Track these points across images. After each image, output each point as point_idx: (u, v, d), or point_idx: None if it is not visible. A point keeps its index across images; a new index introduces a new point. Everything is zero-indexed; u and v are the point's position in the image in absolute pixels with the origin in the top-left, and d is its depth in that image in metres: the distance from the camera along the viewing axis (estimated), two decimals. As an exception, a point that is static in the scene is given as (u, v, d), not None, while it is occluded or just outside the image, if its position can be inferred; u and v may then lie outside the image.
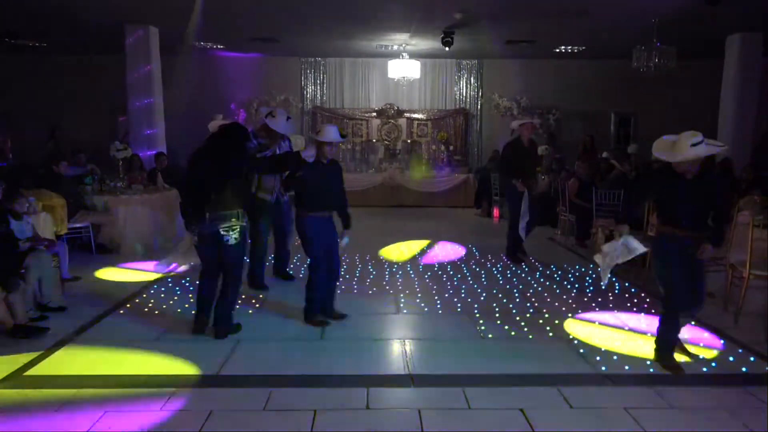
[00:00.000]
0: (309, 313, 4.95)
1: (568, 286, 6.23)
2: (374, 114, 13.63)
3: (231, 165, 4.46)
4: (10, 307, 4.56)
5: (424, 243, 8.45)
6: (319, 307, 4.97)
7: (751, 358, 4.26)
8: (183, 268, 5.87)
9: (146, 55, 9.99)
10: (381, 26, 9.93)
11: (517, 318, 5.15)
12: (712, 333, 4.81)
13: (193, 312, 4.84)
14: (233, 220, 4.48)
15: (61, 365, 4.11)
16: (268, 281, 6.09)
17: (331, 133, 4.75)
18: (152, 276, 6.32)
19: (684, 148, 3.80)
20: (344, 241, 4.97)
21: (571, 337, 4.70)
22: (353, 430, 3.23)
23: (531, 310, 5.39)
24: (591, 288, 6.17)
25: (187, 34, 9.69)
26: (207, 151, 4.53)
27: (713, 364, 4.14)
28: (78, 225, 7.43)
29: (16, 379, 3.87)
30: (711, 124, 10.77)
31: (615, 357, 4.24)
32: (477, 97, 13.90)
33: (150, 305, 5.45)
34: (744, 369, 4.08)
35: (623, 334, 4.78)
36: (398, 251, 7.92)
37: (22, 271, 4.79)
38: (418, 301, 5.66)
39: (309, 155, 4.73)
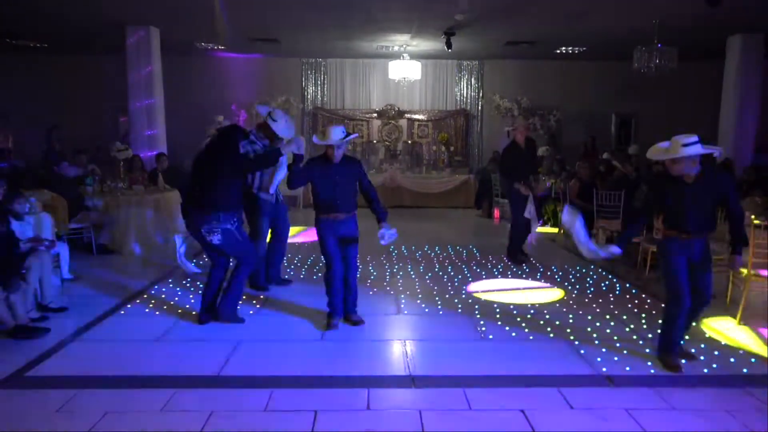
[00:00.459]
0: (328, 316, 4.91)
1: (569, 287, 6.23)
2: (375, 115, 13.64)
3: (220, 166, 4.64)
4: (11, 308, 4.56)
5: (424, 244, 8.45)
6: (341, 311, 4.91)
7: (752, 359, 4.26)
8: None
9: (147, 56, 10.01)
10: (382, 27, 9.94)
11: (518, 319, 5.15)
12: (713, 334, 4.80)
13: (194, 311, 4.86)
14: (213, 222, 4.62)
15: (61, 366, 4.11)
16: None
17: (331, 135, 4.57)
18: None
19: (676, 148, 3.83)
20: (386, 238, 4.86)
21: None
22: (354, 430, 3.22)
23: (532, 311, 5.39)
24: (591, 289, 6.17)
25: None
26: (203, 154, 4.79)
27: (714, 365, 4.14)
28: (79, 225, 7.44)
29: (16, 379, 3.87)
30: (712, 125, 10.78)
31: (616, 358, 4.24)
32: (478, 98, 13.90)
33: (151, 306, 5.45)
34: (745, 370, 4.08)
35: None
36: (399, 251, 7.91)
37: (23, 271, 4.79)
38: (418, 301, 5.66)
39: (294, 149, 4.81)
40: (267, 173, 5.65)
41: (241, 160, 4.87)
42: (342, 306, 4.93)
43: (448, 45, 10.10)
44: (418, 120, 13.70)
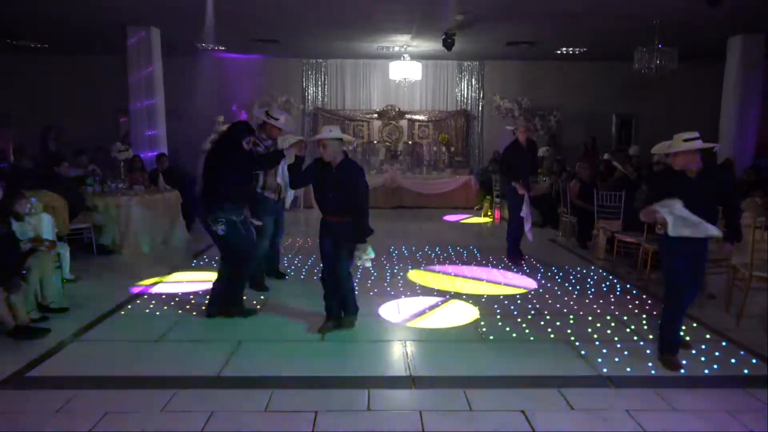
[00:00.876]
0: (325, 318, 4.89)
1: (570, 288, 6.22)
2: (375, 115, 13.64)
3: (223, 161, 4.87)
4: (11, 308, 4.56)
5: (425, 244, 8.45)
6: (332, 313, 4.85)
7: (753, 360, 4.25)
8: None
9: (148, 56, 10.01)
10: (382, 28, 9.94)
11: (518, 319, 5.14)
12: (713, 335, 4.80)
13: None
14: (218, 212, 4.81)
15: (62, 366, 4.11)
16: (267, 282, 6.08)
17: (322, 132, 4.59)
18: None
19: (678, 143, 4.00)
20: (361, 260, 4.53)
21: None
22: (354, 431, 3.22)
23: (532, 312, 5.39)
24: (592, 290, 6.17)
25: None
26: (211, 148, 5.15)
27: (715, 366, 4.13)
28: (79, 226, 7.44)
29: (17, 379, 3.87)
30: (712, 126, 10.77)
31: (617, 359, 4.24)
32: (478, 99, 13.90)
33: (151, 306, 5.45)
34: (745, 371, 4.07)
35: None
36: (399, 252, 7.91)
37: (24, 271, 4.80)
38: (419, 302, 5.65)
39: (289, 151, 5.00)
40: (270, 173, 5.70)
41: (244, 157, 4.94)
42: (333, 308, 4.85)
43: (448, 46, 10.10)
44: (419, 120, 13.70)
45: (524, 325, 4.98)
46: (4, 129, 12.43)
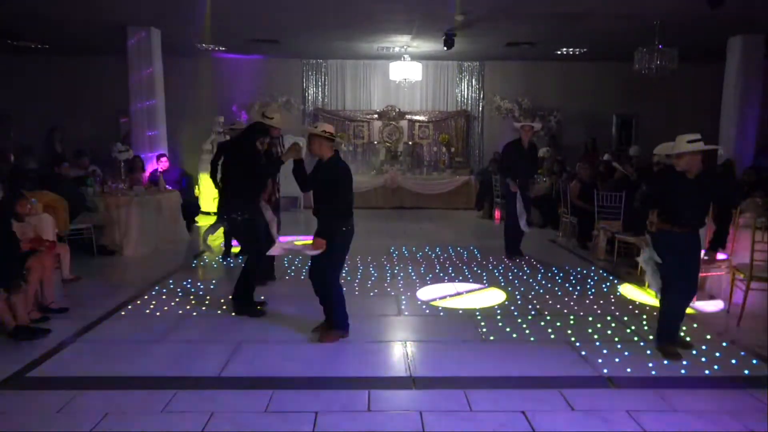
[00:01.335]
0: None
1: (570, 288, 6.22)
2: (376, 116, 13.62)
3: (235, 163, 5.14)
4: (11, 308, 4.56)
5: (425, 245, 8.45)
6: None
7: (754, 361, 4.25)
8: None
9: (148, 57, 10.01)
10: (382, 28, 9.94)
11: (519, 320, 5.14)
12: (714, 335, 4.80)
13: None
14: (234, 208, 5.06)
15: (62, 366, 4.12)
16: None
17: (310, 127, 4.69)
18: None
19: (681, 144, 4.12)
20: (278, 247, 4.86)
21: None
22: (354, 431, 3.22)
23: (533, 312, 5.39)
24: (593, 290, 6.17)
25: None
26: (230, 147, 5.48)
27: (715, 367, 4.13)
28: (79, 226, 7.44)
29: (17, 380, 3.87)
30: (713, 127, 10.77)
31: (617, 359, 4.24)
32: (478, 99, 13.89)
33: (151, 307, 5.45)
34: (746, 372, 4.07)
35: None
36: (400, 252, 7.91)
37: (24, 272, 4.79)
38: (419, 303, 5.66)
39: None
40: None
41: (253, 163, 5.08)
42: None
43: (449, 46, 10.10)
44: (419, 121, 13.69)
45: (524, 326, 4.98)
46: (4, 129, 12.41)
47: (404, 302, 5.67)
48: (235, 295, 5.30)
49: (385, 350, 4.48)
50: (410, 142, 13.60)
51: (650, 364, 4.15)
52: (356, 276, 6.67)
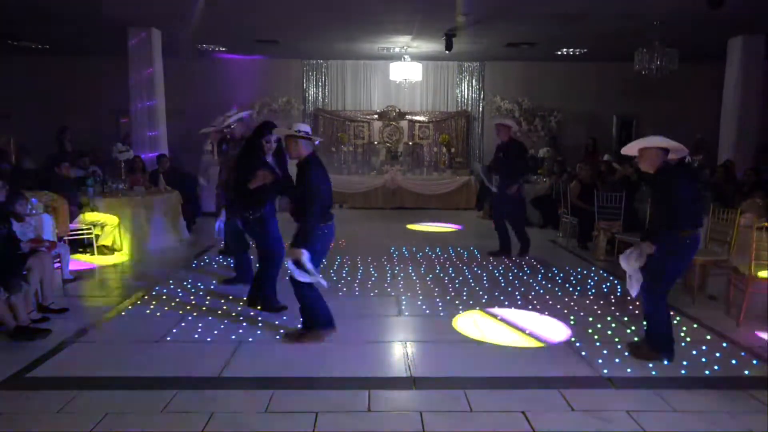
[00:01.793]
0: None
1: (570, 289, 6.22)
2: (376, 116, 13.63)
3: (238, 162, 5.22)
4: (12, 309, 4.56)
5: (425, 245, 8.45)
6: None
7: (754, 361, 4.25)
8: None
9: (149, 57, 10.02)
10: (383, 29, 9.94)
11: (519, 320, 5.14)
12: (714, 336, 4.80)
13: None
14: (247, 208, 5.09)
15: (62, 367, 4.12)
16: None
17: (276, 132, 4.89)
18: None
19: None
20: (287, 263, 4.30)
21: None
22: (354, 431, 3.23)
23: (533, 313, 5.38)
24: (593, 291, 6.17)
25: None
26: (242, 146, 5.47)
27: (715, 367, 4.13)
28: (80, 226, 7.43)
29: (17, 380, 3.87)
30: (713, 127, 10.77)
31: (617, 360, 4.24)
32: (479, 100, 13.90)
33: (152, 307, 5.45)
34: (746, 372, 4.07)
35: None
36: (400, 253, 7.91)
37: (24, 272, 4.80)
38: (419, 303, 5.66)
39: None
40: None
41: (255, 167, 5.04)
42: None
43: (449, 46, 10.10)
44: (419, 121, 13.70)
45: (525, 326, 4.97)
46: (4, 129, 12.40)
47: (404, 302, 5.67)
48: (259, 303, 5.35)
49: (385, 350, 4.48)
50: (410, 143, 13.61)
51: (650, 365, 4.14)
52: (356, 276, 6.67)
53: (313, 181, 4.24)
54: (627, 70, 10.20)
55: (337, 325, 4.67)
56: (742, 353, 4.41)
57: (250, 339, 4.61)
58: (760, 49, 10.08)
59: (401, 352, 4.42)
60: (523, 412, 3.42)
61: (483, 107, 13.89)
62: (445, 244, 8.51)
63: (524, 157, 8.14)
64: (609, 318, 5.25)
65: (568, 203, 8.80)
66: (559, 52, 12.22)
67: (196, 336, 4.71)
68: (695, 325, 5.03)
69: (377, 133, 13.64)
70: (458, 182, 12.71)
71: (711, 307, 5.59)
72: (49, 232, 5.89)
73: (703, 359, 4.27)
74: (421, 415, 3.40)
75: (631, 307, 5.55)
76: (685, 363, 4.17)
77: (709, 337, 4.76)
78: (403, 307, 5.53)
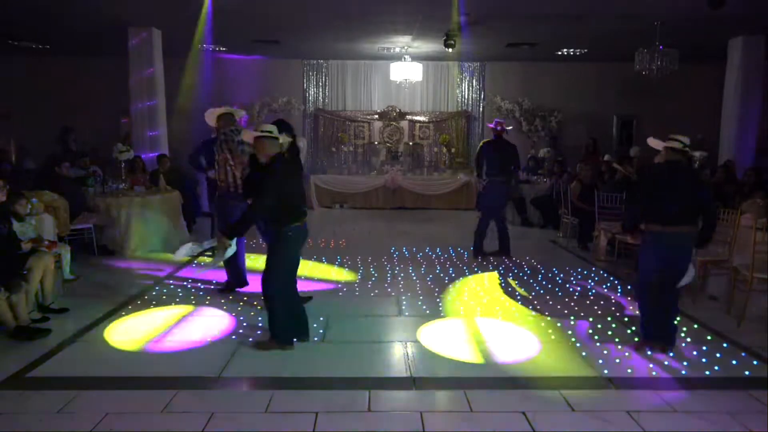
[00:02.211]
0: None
1: (570, 289, 6.22)
2: (376, 116, 13.64)
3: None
4: (12, 309, 4.57)
5: (425, 245, 8.44)
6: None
7: (754, 362, 4.25)
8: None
9: (149, 58, 10.02)
10: (383, 29, 9.94)
11: (519, 321, 5.14)
12: (714, 336, 4.80)
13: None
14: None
15: (63, 367, 4.12)
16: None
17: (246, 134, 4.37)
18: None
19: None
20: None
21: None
22: (354, 431, 3.23)
23: (533, 313, 5.38)
24: (593, 291, 6.17)
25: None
26: None
27: (716, 368, 4.13)
28: (80, 226, 7.44)
29: (18, 380, 3.87)
30: (714, 127, 10.76)
31: (617, 360, 4.24)
32: (479, 100, 13.90)
33: (152, 307, 5.45)
34: (747, 372, 4.07)
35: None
36: (400, 253, 7.91)
37: (25, 272, 4.80)
38: (419, 303, 5.65)
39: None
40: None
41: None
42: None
43: (450, 46, 10.10)
44: (420, 121, 13.70)
45: (525, 327, 4.97)
46: (4, 129, 12.41)
47: (404, 302, 5.67)
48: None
49: (385, 350, 4.48)
50: (411, 143, 13.61)
51: (650, 365, 4.15)
52: (356, 276, 6.67)
53: (271, 177, 4.10)
54: (627, 70, 10.20)
55: (337, 325, 4.69)
56: (743, 353, 4.41)
57: (250, 339, 4.60)
58: (760, 49, 10.08)
59: (401, 352, 4.42)
60: (523, 412, 3.42)
61: (483, 107, 13.89)
62: (445, 245, 8.50)
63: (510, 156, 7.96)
64: (609, 318, 5.25)
65: (569, 203, 8.79)
66: (560, 52, 12.22)
67: (196, 336, 4.71)
68: (695, 325, 5.03)
69: (377, 133, 13.64)
70: (458, 182, 12.70)
71: (711, 308, 5.59)
72: (50, 231, 5.89)
73: (704, 359, 4.26)
74: (421, 415, 3.40)
75: (631, 308, 5.55)
76: (685, 363, 4.17)
77: (709, 338, 4.75)
78: (403, 307, 5.52)
